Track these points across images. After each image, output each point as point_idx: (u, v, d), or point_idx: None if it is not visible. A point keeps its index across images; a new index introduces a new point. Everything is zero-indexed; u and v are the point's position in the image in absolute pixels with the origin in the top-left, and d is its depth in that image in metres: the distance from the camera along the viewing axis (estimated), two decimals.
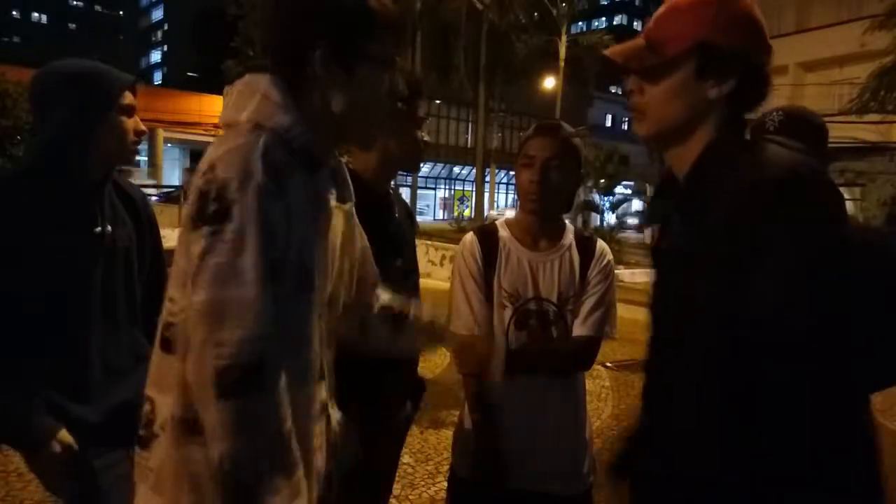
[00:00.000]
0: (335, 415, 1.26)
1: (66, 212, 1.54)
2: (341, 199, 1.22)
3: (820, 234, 0.90)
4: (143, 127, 1.64)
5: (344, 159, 1.32)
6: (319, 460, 1.16)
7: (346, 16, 1.05)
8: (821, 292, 0.88)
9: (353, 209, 1.27)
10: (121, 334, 1.63)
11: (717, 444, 0.97)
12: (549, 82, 24.16)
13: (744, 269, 0.91)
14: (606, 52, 1.13)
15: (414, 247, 1.95)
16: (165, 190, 19.38)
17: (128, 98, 1.61)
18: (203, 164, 0.98)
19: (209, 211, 0.93)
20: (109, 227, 1.61)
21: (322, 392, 1.18)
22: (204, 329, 0.91)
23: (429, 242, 11.94)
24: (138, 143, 1.65)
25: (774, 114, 1.75)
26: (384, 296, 1.41)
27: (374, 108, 1.12)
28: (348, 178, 1.26)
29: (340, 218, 1.22)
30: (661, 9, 1.11)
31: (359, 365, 1.31)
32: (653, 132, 1.11)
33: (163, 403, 1.04)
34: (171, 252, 1.13)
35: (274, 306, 0.94)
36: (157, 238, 1.79)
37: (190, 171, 19.43)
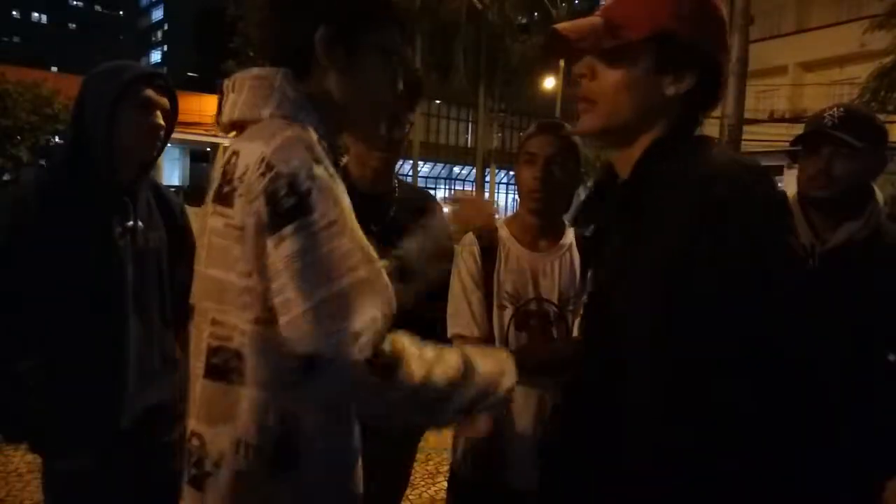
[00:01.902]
0: None
1: (98, 207, 1.56)
2: None
3: (757, 256, 0.85)
4: (159, 122, 1.63)
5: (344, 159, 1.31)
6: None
7: (347, 1, 1.03)
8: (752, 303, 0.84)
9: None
10: (153, 335, 1.65)
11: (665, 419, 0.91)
12: (549, 82, 24.14)
13: (683, 278, 0.87)
14: (557, 27, 1.00)
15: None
16: None
17: (145, 94, 1.60)
18: (251, 166, 0.90)
19: (286, 207, 0.86)
20: (141, 224, 1.63)
21: None
22: (332, 326, 0.85)
23: None
24: (154, 139, 1.64)
25: (835, 109, 1.72)
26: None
27: (378, 96, 1.09)
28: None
29: None
30: None
31: None
32: (601, 126, 1.01)
33: (217, 437, 0.97)
34: None
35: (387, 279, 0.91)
36: (192, 247, 1.82)
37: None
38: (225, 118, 1.03)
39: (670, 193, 0.92)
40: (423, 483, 3.37)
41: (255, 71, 1.03)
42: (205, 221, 0.99)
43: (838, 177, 1.65)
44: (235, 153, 0.95)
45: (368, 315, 0.86)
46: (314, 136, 0.97)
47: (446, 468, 2.96)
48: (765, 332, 0.85)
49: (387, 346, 0.88)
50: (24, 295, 1.50)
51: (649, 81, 0.97)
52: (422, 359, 0.93)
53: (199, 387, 0.99)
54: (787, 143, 1.82)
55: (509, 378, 1.06)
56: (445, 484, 1.95)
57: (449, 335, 1.79)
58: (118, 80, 1.56)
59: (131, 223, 1.61)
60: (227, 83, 1.04)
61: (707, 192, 0.88)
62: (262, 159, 0.89)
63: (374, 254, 0.91)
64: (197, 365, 0.99)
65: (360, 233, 0.91)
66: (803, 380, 0.86)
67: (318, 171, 0.90)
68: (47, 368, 1.50)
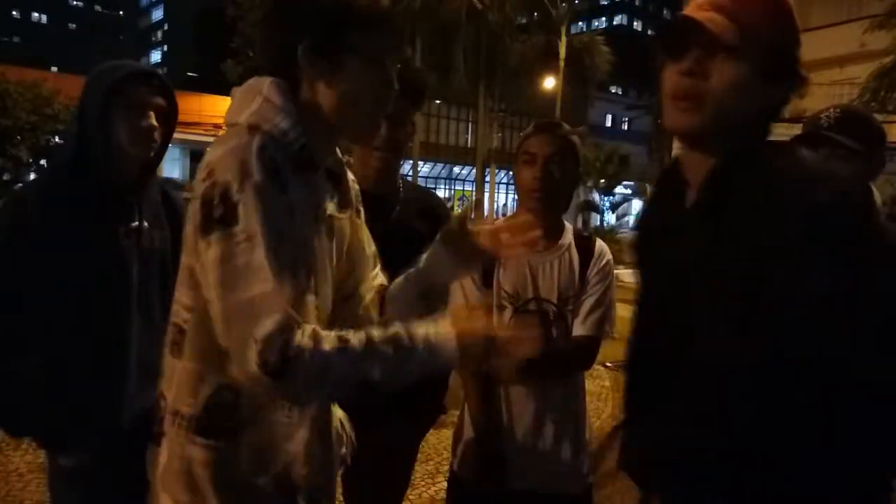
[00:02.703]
0: (338, 412, 1.26)
1: (100, 208, 1.57)
2: (343, 206, 1.22)
3: (853, 265, 0.88)
4: (152, 123, 1.60)
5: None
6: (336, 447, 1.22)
7: (326, 11, 1.05)
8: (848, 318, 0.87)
9: (357, 215, 1.28)
10: (157, 334, 1.65)
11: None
12: (549, 82, 24.15)
13: (769, 282, 0.88)
14: (694, 16, 0.95)
15: (406, 256, 1.88)
16: None
17: (137, 94, 1.58)
18: (201, 171, 1.00)
19: (216, 216, 0.96)
20: (146, 224, 1.63)
21: None
22: (241, 330, 0.94)
23: None
24: (149, 140, 1.61)
25: (831, 111, 1.72)
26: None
27: (364, 101, 1.11)
28: (349, 182, 1.26)
29: (346, 225, 1.24)
30: None
31: None
32: (702, 125, 0.98)
33: (168, 403, 1.10)
34: None
35: (293, 291, 0.98)
36: None
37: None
38: (223, 122, 1.11)
39: (761, 197, 0.92)
40: (423, 483, 3.37)
41: (251, 80, 1.10)
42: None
43: None
44: (206, 157, 1.03)
45: (266, 328, 0.92)
46: (274, 143, 1.02)
47: (446, 468, 2.96)
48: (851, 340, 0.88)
49: (281, 352, 0.93)
50: (24, 295, 1.50)
51: (758, 88, 0.96)
52: (338, 338, 0.99)
53: (166, 357, 1.12)
54: None
55: (444, 325, 1.05)
56: (445, 484, 1.96)
57: None
58: (109, 79, 1.55)
59: (136, 223, 1.60)
60: (233, 90, 1.12)
61: (806, 198, 0.89)
62: (209, 164, 1.00)
63: (284, 269, 0.96)
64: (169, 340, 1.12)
65: (276, 250, 0.96)
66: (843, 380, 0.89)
67: (258, 179, 0.97)
68: (48, 367, 1.50)
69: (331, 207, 1.18)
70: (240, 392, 1.04)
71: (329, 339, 0.97)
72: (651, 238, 1.22)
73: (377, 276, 1.34)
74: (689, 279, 1.02)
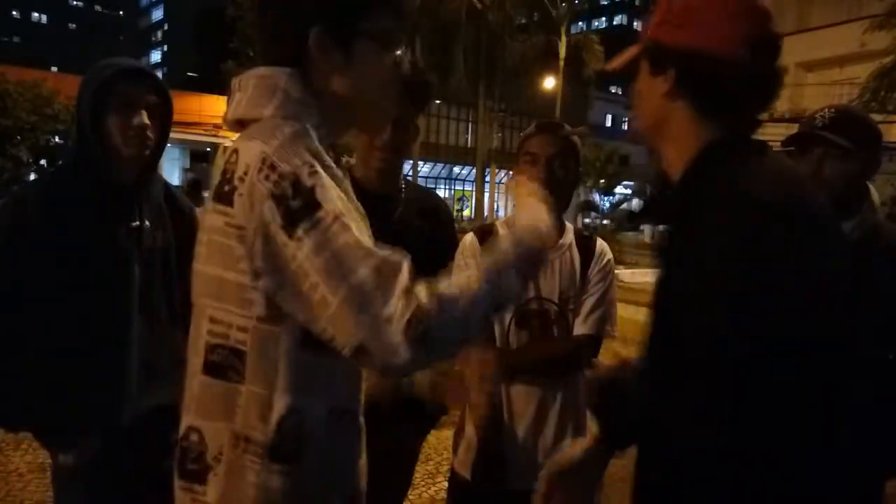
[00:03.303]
0: None
1: (99, 208, 1.56)
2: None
3: (795, 277, 0.91)
4: (143, 122, 1.56)
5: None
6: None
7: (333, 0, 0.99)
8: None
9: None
10: (161, 335, 1.64)
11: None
12: (549, 82, 24.16)
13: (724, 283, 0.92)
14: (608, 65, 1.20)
15: (412, 250, 1.89)
16: None
17: (125, 92, 1.55)
18: (252, 165, 0.91)
19: (295, 208, 0.88)
20: (148, 224, 1.62)
21: None
22: (368, 315, 0.87)
23: None
24: (141, 139, 1.58)
25: (826, 110, 1.72)
26: None
27: (378, 89, 1.06)
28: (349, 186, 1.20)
29: None
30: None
31: None
32: (643, 132, 1.15)
33: (216, 432, 0.98)
34: None
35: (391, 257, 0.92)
36: None
37: (188, 171, 19.41)
38: (230, 116, 1.03)
39: (714, 200, 0.98)
40: (423, 483, 3.37)
41: (262, 70, 1.01)
42: (203, 219, 1.00)
43: (829, 178, 1.65)
44: (235, 152, 0.94)
45: (392, 298, 0.87)
46: (314, 134, 0.98)
47: (446, 468, 2.97)
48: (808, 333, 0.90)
49: (416, 312, 0.88)
50: (24, 295, 1.50)
51: (649, 86, 1.09)
52: (450, 285, 0.94)
53: (196, 383, 1.00)
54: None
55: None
56: (445, 484, 1.96)
57: None
58: (98, 78, 1.53)
59: (137, 223, 1.60)
60: (234, 81, 1.04)
61: (749, 202, 0.93)
62: (264, 159, 0.90)
63: (372, 241, 0.93)
64: (195, 361, 1.00)
65: (358, 224, 0.94)
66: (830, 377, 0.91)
67: (319, 168, 0.92)
68: (48, 366, 1.50)
69: None
70: (304, 412, 0.98)
71: (445, 286, 0.92)
72: (661, 240, 1.26)
73: None
74: (668, 284, 1.08)
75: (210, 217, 0.96)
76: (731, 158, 1.02)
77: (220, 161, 0.98)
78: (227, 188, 0.93)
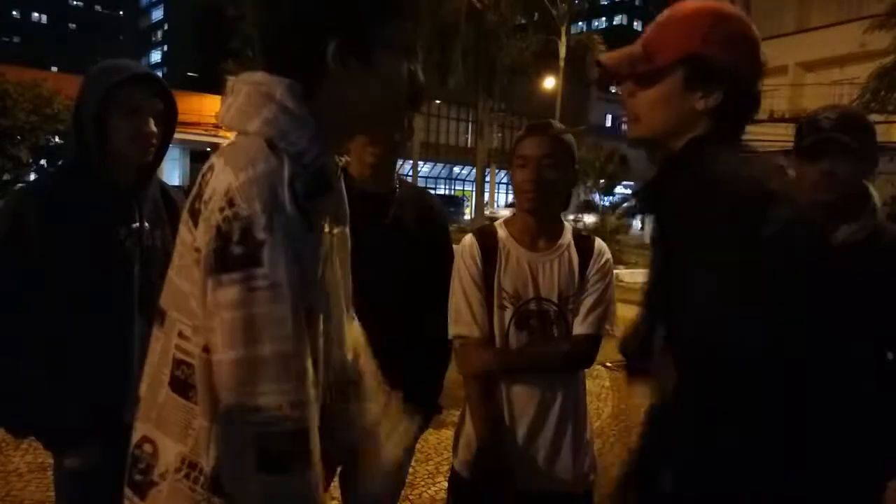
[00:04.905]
0: None
1: (99, 210, 1.56)
2: (338, 222, 1.08)
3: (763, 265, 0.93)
4: (150, 129, 1.58)
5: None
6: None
7: (363, 1, 0.94)
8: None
9: (347, 232, 1.13)
10: None
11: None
12: (549, 82, 24.15)
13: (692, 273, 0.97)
14: (601, 58, 1.18)
15: (402, 255, 1.82)
16: None
17: (132, 99, 1.56)
18: (217, 192, 0.85)
19: (234, 254, 0.81)
20: (147, 225, 1.63)
21: None
22: (240, 391, 0.82)
23: None
24: (146, 145, 1.60)
25: (829, 111, 1.71)
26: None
27: (396, 98, 1.02)
28: (345, 194, 1.11)
29: (340, 241, 1.10)
30: (661, 17, 1.15)
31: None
32: (642, 136, 1.17)
33: (167, 449, 0.94)
34: None
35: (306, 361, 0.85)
36: None
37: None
38: (220, 122, 0.98)
39: (683, 195, 1.03)
40: (423, 483, 3.37)
41: (258, 76, 0.95)
42: (179, 228, 0.95)
43: (842, 179, 1.65)
44: (211, 169, 0.89)
45: (280, 398, 0.82)
46: (287, 172, 0.88)
47: (446, 468, 2.97)
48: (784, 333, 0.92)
49: (294, 442, 0.83)
50: (24, 295, 1.50)
51: (679, 97, 1.10)
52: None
53: (162, 394, 0.95)
54: (787, 144, 1.81)
55: None
56: (445, 484, 1.96)
57: (450, 336, 1.79)
58: (106, 83, 1.53)
59: (136, 225, 1.61)
60: (229, 83, 0.99)
61: (711, 198, 0.97)
62: (227, 191, 0.84)
63: (303, 332, 0.86)
64: (164, 371, 0.95)
65: (300, 303, 0.85)
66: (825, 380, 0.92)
67: (289, 215, 0.85)
68: (49, 367, 1.50)
69: (326, 226, 1.03)
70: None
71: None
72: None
73: (353, 325, 1.20)
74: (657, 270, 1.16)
75: (182, 230, 0.93)
76: (714, 150, 1.07)
77: (202, 170, 0.93)
78: (196, 206, 0.89)
